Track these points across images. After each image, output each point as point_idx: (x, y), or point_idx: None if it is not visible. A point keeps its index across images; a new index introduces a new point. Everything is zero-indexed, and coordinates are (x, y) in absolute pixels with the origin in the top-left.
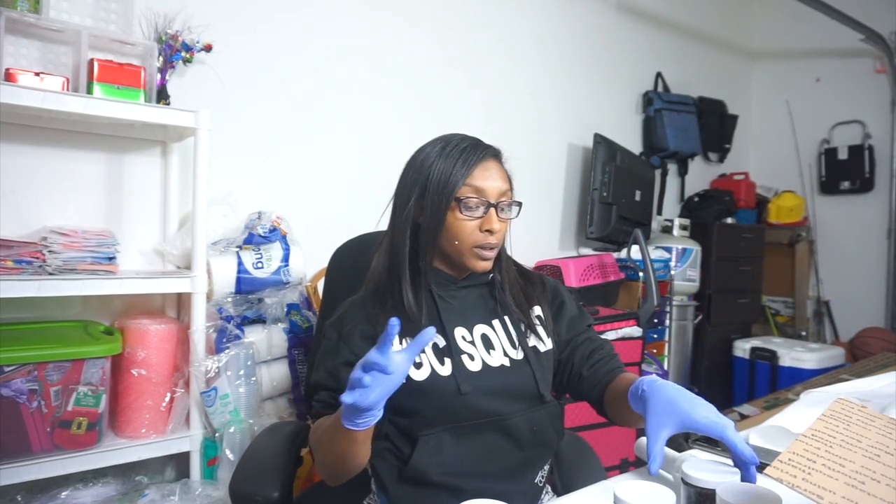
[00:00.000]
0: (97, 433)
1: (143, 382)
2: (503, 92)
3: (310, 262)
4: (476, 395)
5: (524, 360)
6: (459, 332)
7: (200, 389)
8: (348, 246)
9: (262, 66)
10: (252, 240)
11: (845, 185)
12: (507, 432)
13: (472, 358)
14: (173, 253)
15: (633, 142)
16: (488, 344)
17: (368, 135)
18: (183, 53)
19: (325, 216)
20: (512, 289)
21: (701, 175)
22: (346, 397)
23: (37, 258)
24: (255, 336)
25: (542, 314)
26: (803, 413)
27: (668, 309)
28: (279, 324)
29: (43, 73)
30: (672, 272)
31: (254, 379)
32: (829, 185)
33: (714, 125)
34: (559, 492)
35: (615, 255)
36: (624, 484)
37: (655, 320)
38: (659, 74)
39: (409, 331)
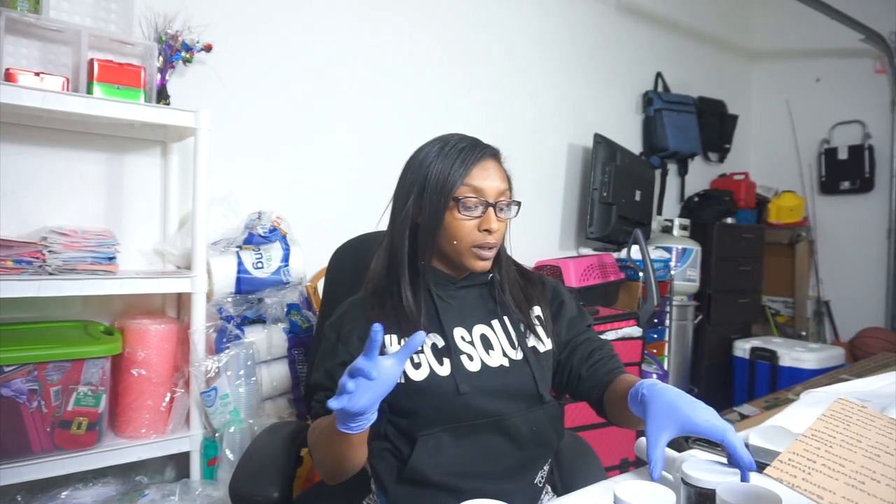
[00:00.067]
0: (97, 433)
1: (143, 382)
2: (503, 92)
3: (310, 262)
4: (475, 395)
5: (523, 361)
6: (458, 333)
7: (200, 389)
8: (348, 246)
9: (262, 66)
10: (252, 240)
11: (845, 185)
12: (506, 432)
13: (471, 358)
14: (173, 253)
15: (633, 142)
16: (487, 344)
17: (368, 135)
18: (183, 53)
19: (325, 216)
20: (511, 289)
21: (701, 175)
22: (333, 403)
23: (37, 258)
24: (255, 336)
25: (541, 314)
26: (803, 413)
27: (668, 309)
28: (279, 324)
29: (43, 73)
30: (672, 272)
31: (254, 379)
32: (829, 185)
33: (714, 125)
34: (559, 492)
35: (615, 255)
36: (624, 484)
37: (655, 320)
38: (659, 74)
39: (409, 331)
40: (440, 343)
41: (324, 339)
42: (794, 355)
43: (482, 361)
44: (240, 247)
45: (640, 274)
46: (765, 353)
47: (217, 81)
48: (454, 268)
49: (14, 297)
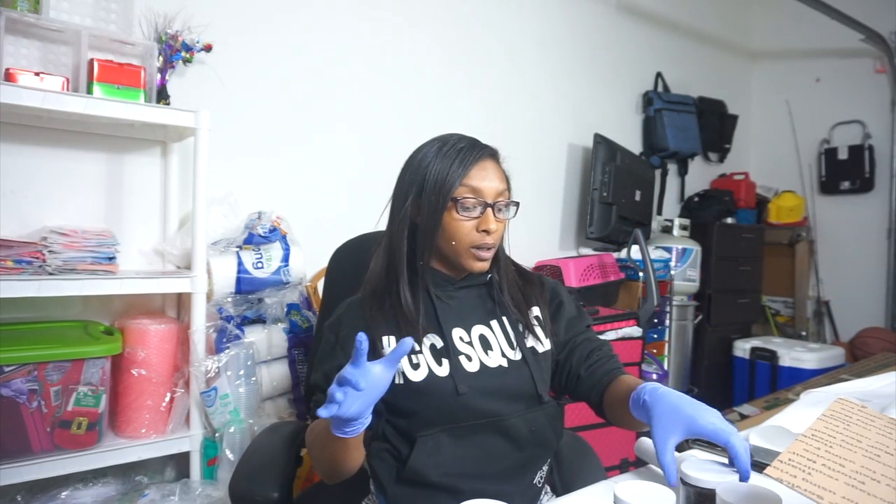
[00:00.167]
0: (97, 433)
1: (143, 382)
2: (503, 92)
3: (310, 262)
4: (474, 395)
5: (522, 361)
6: (457, 333)
7: (200, 389)
8: (348, 246)
9: (262, 66)
10: (252, 240)
11: (845, 185)
12: (505, 433)
13: (469, 358)
14: (173, 253)
15: (633, 142)
16: (486, 344)
17: (368, 135)
18: (183, 53)
19: (325, 216)
20: (510, 289)
21: (701, 175)
22: (323, 412)
23: (37, 258)
24: (255, 336)
25: (540, 315)
26: (803, 413)
27: (668, 309)
28: (279, 324)
29: (43, 73)
30: (672, 272)
31: (254, 379)
32: (829, 185)
33: (714, 125)
34: (559, 492)
35: (615, 255)
36: (624, 484)
37: (655, 320)
38: (659, 74)
39: (407, 331)
40: (439, 343)
41: (323, 340)
42: (794, 355)
43: (481, 362)
44: (240, 247)
45: (640, 274)
46: (765, 353)
47: (217, 81)
48: (453, 268)
49: (14, 297)
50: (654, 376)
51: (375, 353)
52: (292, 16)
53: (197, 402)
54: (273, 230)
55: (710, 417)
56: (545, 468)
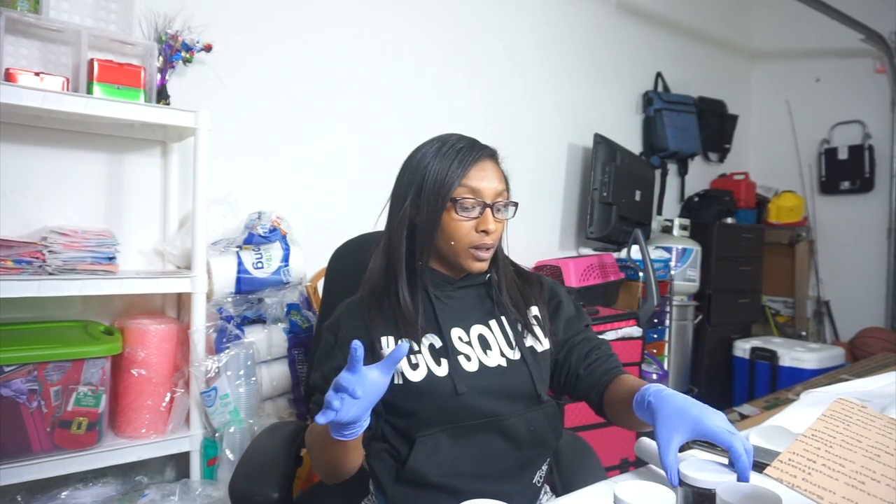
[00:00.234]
0: (97, 433)
1: (143, 382)
2: (503, 92)
3: (310, 262)
4: (473, 395)
5: (521, 361)
6: (456, 333)
7: (200, 389)
8: (348, 246)
9: (262, 66)
10: (252, 240)
11: (845, 185)
12: (504, 432)
13: (468, 358)
14: (173, 253)
15: (633, 142)
16: (485, 344)
17: (368, 135)
18: (183, 53)
19: (325, 216)
20: (509, 289)
21: (701, 175)
22: (320, 418)
23: (37, 258)
24: (255, 336)
25: (539, 314)
26: (803, 413)
27: (668, 309)
28: (279, 324)
29: (43, 73)
30: (672, 272)
31: (254, 379)
32: (829, 185)
33: (714, 125)
34: (559, 492)
35: (615, 255)
36: (624, 484)
37: (655, 320)
38: (659, 74)
39: (406, 331)
40: (438, 343)
41: (322, 340)
42: (794, 355)
43: (480, 362)
44: (240, 247)
45: (640, 274)
46: (765, 353)
47: (217, 81)
48: (451, 268)
49: (14, 297)
50: (654, 376)
51: (374, 353)
52: (292, 16)
53: (197, 402)
54: (273, 230)
55: (715, 419)
56: (544, 467)
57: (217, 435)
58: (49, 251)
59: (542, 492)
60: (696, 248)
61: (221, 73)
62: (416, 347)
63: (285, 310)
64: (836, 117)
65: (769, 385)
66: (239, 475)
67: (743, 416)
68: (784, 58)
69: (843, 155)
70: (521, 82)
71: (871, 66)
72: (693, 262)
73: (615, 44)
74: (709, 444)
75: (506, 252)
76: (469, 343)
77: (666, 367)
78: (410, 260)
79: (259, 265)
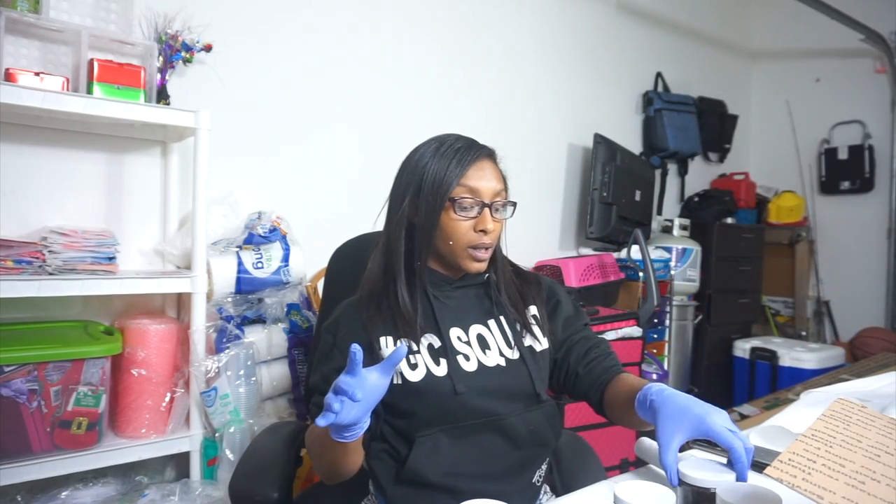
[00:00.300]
0: (97, 433)
1: (143, 382)
2: (503, 92)
3: (310, 262)
4: (472, 395)
5: (520, 360)
6: (455, 333)
7: (200, 389)
8: (348, 246)
9: (262, 66)
10: (252, 240)
11: (845, 185)
12: (503, 432)
13: (467, 358)
14: (173, 253)
15: (633, 142)
16: (484, 344)
17: (368, 135)
18: (183, 53)
19: (325, 216)
20: (507, 289)
21: (701, 175)
22: (321, 421)
23: (37, 258)
24: (255, 336)
25: (537, 314)
26: (803, 413)
27: (668, 309)
28: (279, 324)
29: (43, 73)
30: (672, 272)
31: (254, 379)
32: (829, 185)
33: (714, 125)
34: (559, 492)
35: (615, 255)
36: (624, 484)
37: (655, 320)
38: (659, 74)
39: (405, 331)
40: (436, 343)
41: (321, 341)
42: (794, 355)
43: (479, 361)
44: (240, 247)
45: (640, 274)
46: (765, 353)
47: (217, 81)
48: (450, 268)
49: (14, 297)
50: (654, 376)
51: (373, 353)
52: (292, 16)
53: (197, 402)
54: (273, 230)
55: (717, 419)
56: (544, 467)
57: (217, 435)
58: (49, 251)
59: (542, 491)
60: (696, 248)
61: (221, 73)
62: (414, 347)
63: (285, 310)
64: (836, 117)
65: (769, 385)
66: (239, 475)
67: (743, 416)
68: (784, 58)
69: (843, 155)
70: (521, 82)
71: (871, 66)
72: (693, 262)
73: (615, 44)
74: (709, 444)
75: (505, 252)
76: (468, 343)
77: (666, 367)
78: (409, 260)
79: (259, 265)
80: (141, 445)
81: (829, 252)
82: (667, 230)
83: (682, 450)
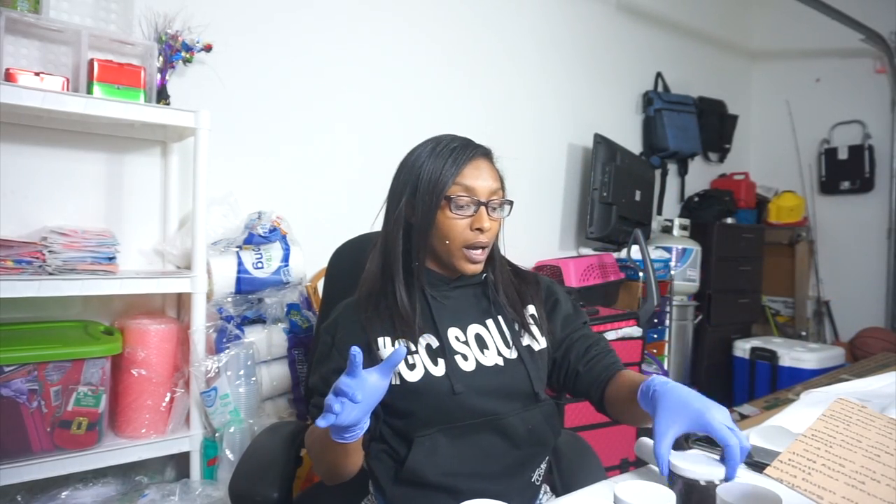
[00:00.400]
0: (97, 433)
1: (143, 382)
2: (503, 92)
3: (310, 262)
4: (470, 394)
5: (518, 360)
6: (453, 333)
7: (200, 389)
8: (348, 246)
9: (262, 66)
10: (252, 240)
11: (845, 185)
12: (502, 431)
13: (465, 358)
14: (173, 253)
15: (633, 142)
16: (482, 344)
17: (368, 135)
18: (183, 53)
19: (325, 216)
20: (506, 288)
21: (701, 175)
22: (321, 422)
23: (37, 258)
24: (255, 336)
25: (535, 313)
26: (803, 413)
27: (668, 309)
28: (279, 324)
29: (43, 73)
30: (672, 272)
31: (254, 379)
32: (829, 185)
33: (714, 125)
34: (559, 492)
35: (615, 255)
36: (624, 484)
37: (655, 320)
38: (659, 74)
39: (404, 331)
40: (435, 343)
41: (320, 342)
42: (794, 355)
43: (477, 361)
44: (240, 247)
45: (640, 274)
46: (765, 353)
47: (217, 81)
48: (447, 268)
49: (14, 297)
50: (665, 378)
51: (371, 354)
52: (292, 16)
53: (197, 402)
54: (273, 230)
55: (716, 414)
56: (543, 466)
57: (217, 435)
58: (49, 251)
59: (542, 491)
60: (696, 248)
61: (221, 73)
62: (413, 348)
63: (285, 310)
64: (836, 117)
65: (769, 385)
66: (239, 475)
67: (743, 416)
68: (784, 58)
69: (843, 155)
70: (521, 82)
71: (871, 66)
72: (693, 262)
73: (615, 44)
74: (709, 444)
75: (504, 252)
76: (466, 343)
77: (666, 367)
78: (407, 260)
79: (259, 265)
80: (141, 445)
81: (829, 252)
82: (667, 230)
83: (681, 449)
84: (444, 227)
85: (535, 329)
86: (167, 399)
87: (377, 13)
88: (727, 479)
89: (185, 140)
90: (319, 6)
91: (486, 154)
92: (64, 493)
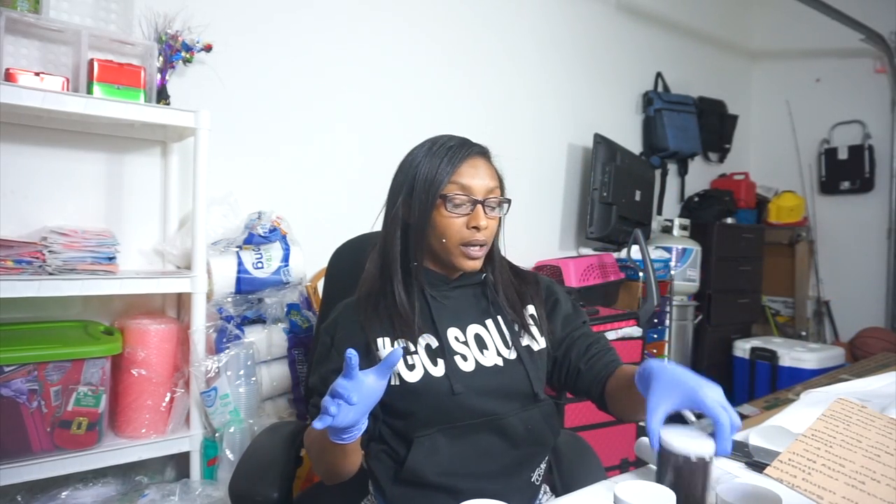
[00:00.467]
0: (97, 433)
1: (143, 382)
2: (503, 92)
3: (310, 262)
4: (469, 395)
5: (517, 360)
6: (452, 333)
7: (200, 389)
8: (348, 246)
9: (262, 66)
10: (252, 240)
11: (845, 185)
12: (501, 432)
13: (465, 358)
14: (173, 253)
15: (633, 142)
16: (482, 344)
17: (368, 135)
18: (183, 53)
19: (325, 216)
20: (505, 289)
21: (701, 175)
22: (318, 424)
23: (37, 258)
24: (255, 336)
25: (535, 313)
26: (803, 413)
27: (668, 309)
28: (279, 324)
29: (43, 73)
30: (672, 272)
31: (254, 379)
32: (829, 185)
33: (714, 125)
34: (559, 492)
35: (615, 255)
36: (624, 484)
37: (655, 320)
38: (659, 74)
39: (403, 331)
40: (434, 344)
41: (319, 342)
42: (794, 355)
43: (476, 361)
44: (240, 247)
45: (640, 274)
46: (765, 353)
47: (217, 81)
48: (446, 267)
49: (14, 297)
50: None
51: (370, 354)
52: (292, 16)
53: (197, 402)
54: (273, 230)
55: (709, 391)
56: (542, 466)
57: (217, 435)
58: (49, 251)
59: (542, 491)
60: (696, 248)
61: (221, 73)
62: (412, 348)
63: (285, 310)
64: (836, 117)
65: (769, 385)
66: (239, 475)
67: (743, 416)
68: (784, 58)
69: (843, 155)
70: (521, 82)
71: (871, 66)
72: (693, 262)
73: (615, 44)
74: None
75: (504, 253)
76: (465, 343)
77: None
78: (405, 260)
79: (259, 265)
80: (141, 445)
81: (829, 252)
82: (667, 230)
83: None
84: (440, 225)
85: (534, 329)
86: (167, 399)
87: (377, 13)
88: (718, 454)
89: (185, 140)
90: (319, 6)
91: (482, 152)
92: (64, 493)
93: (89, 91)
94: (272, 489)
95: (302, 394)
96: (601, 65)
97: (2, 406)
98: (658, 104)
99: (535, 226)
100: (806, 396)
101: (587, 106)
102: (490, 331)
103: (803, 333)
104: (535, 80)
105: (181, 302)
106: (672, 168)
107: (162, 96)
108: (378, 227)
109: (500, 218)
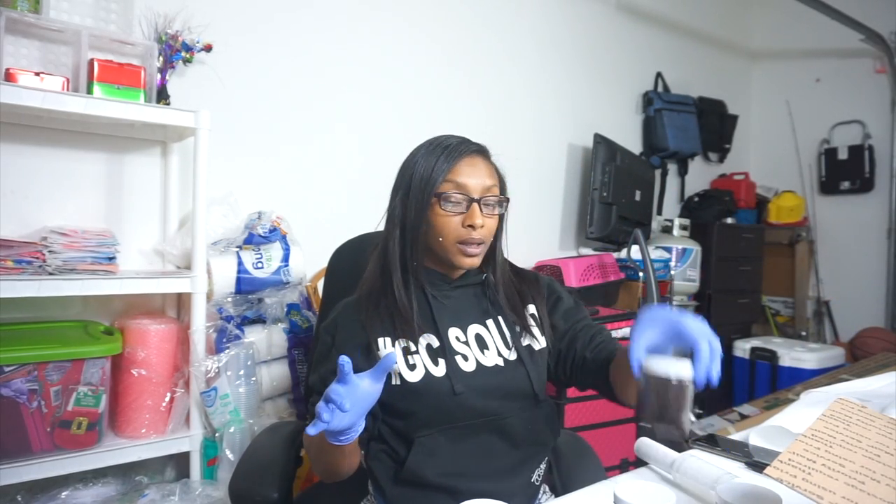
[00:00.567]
0: (97, 433)
1: (143, 382)
2: (503, 92)
3: (310, 262)
4: (470, 395)
5: (518, 360)
6: (453, 333)
7: (200, 389)
8: (348, 246)
9: (262, 66)
10: (252, 240)
11: (845, 185)
12: (502, 432)
13: (465, 358)
14: (173, 253)
15: (633, 142)
16: (482, 344)
17: (368, 135)
18: (183, 53)
19: (325, 216)
20: (506, 289)
21: (701, 175)
22: (311, 430)
23: (37, 258)
24: (255, 336)
25: (536, 312)
26: (803, 413)
27: None
28: (279, 324)
29: (43, 73)
30: (672, 272)
31: (254, 379)
32: (829, 185)
33: (714, 125)
34: (559, 492)
35: (615, 255)
36: (624, 484)
37: None
38: (659, 74)
39: (403, 331)
40: (435, 343)
41: (319, 342)
42: (794, 355)
43: (477, 361)
44: (240, 247)
45: (640, 274)
46: (765, 353)
47: (217, 81)
48: (446, 267)
49: (14, 297)
50: None
51: (370, 354)
52: (292, 16)
53: (197, 402)
54: (273, 230)
55: (691, 322)
56: (542, 466)
57: (217, 435)
58: (49, 251)
59: (542, 491)
60: (696, 248)
61: (221, 73)
62: (413, 347)
63: (285, 310)
64: (836, 117)
65: (769, 385)
66: (239, 475)
67: (743, 416)
68: (784, 58)
69: (843, 155)
70: (521, 82)
71: (871, 66)
72: (693, 262)
73: (615, 44)
74: (710, 444)
75: (505, 253)
76: (466, 343)
77: None
78: (405, 259)
79: (259, 265)
80: (141, 445)
81: (829, 252)
82: (667, 230)
83: (682, 450)
84: (436, 224)
85: (535, 329)
86: (167, 399)
87: (377, 13)
88: (697, 383)
89: (185, 140)
90: (319, 6)
91: (480, 151)
92: (64, 493)
93: (89, 91)
94: (272, 489)
95: (302, 394)
96: (601, 65)
97: (2, 406)
98: (658, 104)
99: (535, 226)
100: (806, 396)
101: (587, 106)
102: (491, 331)
103: (803, 333)
104: (535, 80)
105: (181, 302)
106: (672, 168)
107: (162, 96)
108: (381, 227)
109: (500, 217)
